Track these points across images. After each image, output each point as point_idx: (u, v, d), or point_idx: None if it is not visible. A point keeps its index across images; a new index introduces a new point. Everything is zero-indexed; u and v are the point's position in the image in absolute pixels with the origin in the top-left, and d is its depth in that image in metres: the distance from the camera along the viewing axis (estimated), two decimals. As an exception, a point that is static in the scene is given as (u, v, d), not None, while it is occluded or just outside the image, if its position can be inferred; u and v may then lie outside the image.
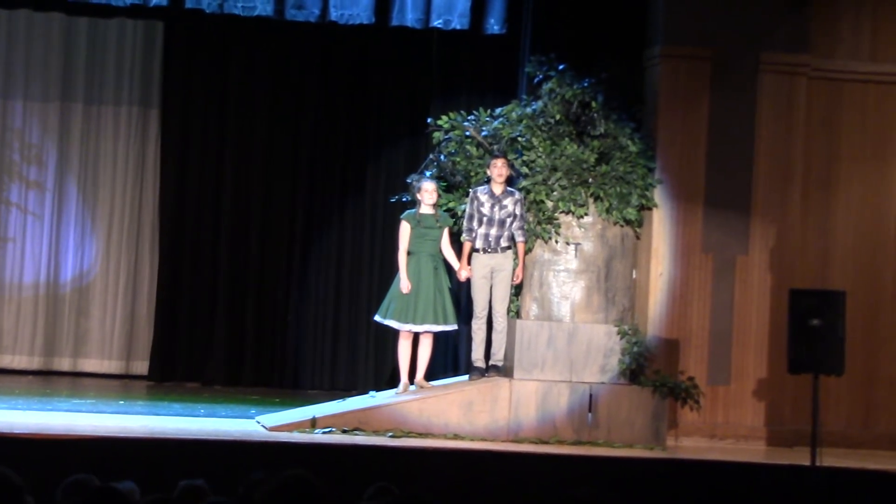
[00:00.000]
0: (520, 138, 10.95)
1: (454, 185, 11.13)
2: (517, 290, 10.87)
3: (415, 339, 10.72)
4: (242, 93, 13.67)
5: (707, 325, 11.08)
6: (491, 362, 10.72)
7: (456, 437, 10.21)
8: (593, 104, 10.85)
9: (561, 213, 10.82)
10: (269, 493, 4.25)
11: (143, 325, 13.73)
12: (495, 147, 10.96)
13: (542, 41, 11.59)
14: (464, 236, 10.75)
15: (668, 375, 10.74)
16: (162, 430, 9.63)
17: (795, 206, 11.24)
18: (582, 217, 10.82)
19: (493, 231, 10.68)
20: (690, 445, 10.83)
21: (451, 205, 11.00)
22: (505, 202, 10.67)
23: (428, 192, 10.74)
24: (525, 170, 10.88)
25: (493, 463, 9.47)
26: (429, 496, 4.44)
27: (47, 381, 13.22)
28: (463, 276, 10.75)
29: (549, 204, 10.81)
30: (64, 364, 13.64)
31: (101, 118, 13.81)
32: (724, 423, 11.05)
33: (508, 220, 10.66)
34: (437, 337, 10.89)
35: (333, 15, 11.73)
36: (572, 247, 10.85)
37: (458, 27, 11.83)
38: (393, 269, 11.10)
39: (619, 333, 10.63)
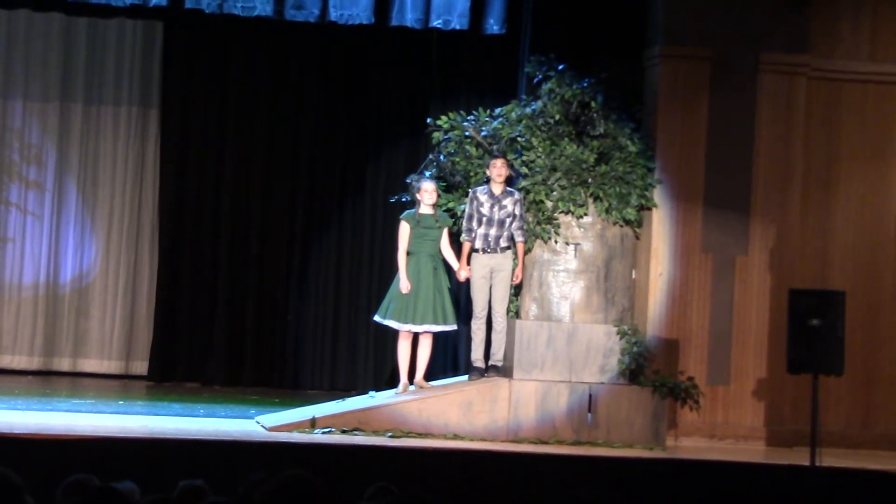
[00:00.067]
0: (519, 138, 10.96)
1: (454, 186, 11.14)
2: (517, 290, 10.87)
3: (414, 340, 10.73)
4: (242, 93, 13.67)
5: (707, 325, 11.08)
6: (490, 362, 10.72)
7: (455, 437, 10.21)
8: (593, 104, 10.85)
9: (560, 213, 10.82)
10: (269, 493, 4.25)
11: (143, 325, 13.73)
12: (495, 147, 10.96)
13: (542, 41, 11.60)
14: (463, 236, 10.75)
15: (668, 375, 10.74)
16: (162, 431, 9.63)
17: (795, 206, 11.25)
18: (581, 217, 10.83)
19: (493, 231, 10.68)
20: (690, 445, 10.83)
21: (450, 205, 11.01)
22: (504, 202, 10.67)
23: (427, 193, 10.74)
24: (524, 170, 10.88)
25: (493, 463, 9.47)
26: (429, 496, 4.44)
27: (47, 381, 13.22)
28: (462, 276, 10.75)
29: (549, 204, 10.81)
30: (64, 364, 13.64)
31: (100, 118, 13.81)
32: (723, 423, 11.05)
33: (508, 221, 10.66)
34: (437, 337, 10.89)
35: (333, 15, 11.74)
36: (572, 247, 10.85)
37: (458, 27, 11.83)
38: (393, 269, 11.10)
39: (618, 333, 10.63)
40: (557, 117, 10.91)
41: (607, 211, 10.81)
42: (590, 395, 10.48)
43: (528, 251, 10.80)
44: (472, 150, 11.07)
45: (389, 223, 12.56)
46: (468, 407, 10.35)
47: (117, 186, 13.80)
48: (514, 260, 10.71)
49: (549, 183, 10.80)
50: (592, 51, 11.32)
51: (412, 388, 10.67)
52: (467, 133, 11.10)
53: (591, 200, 10.83)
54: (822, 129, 11.42)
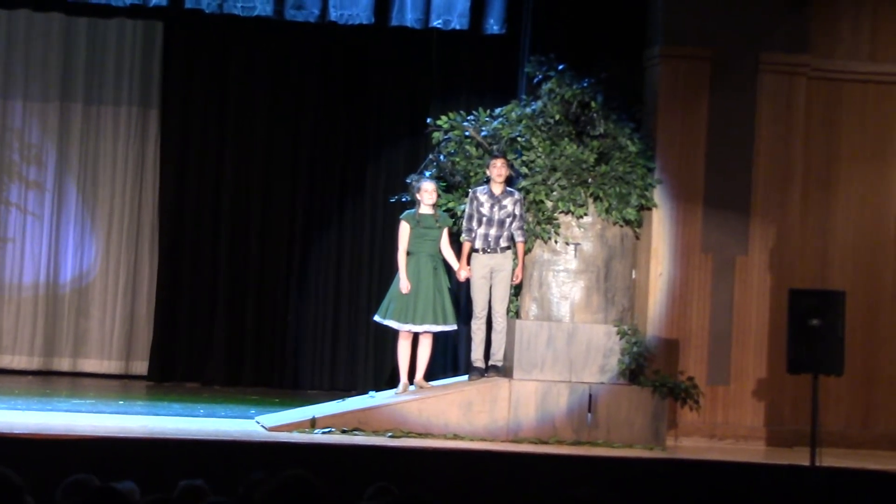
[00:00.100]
0: (519, 138, 10.95)
1: (454, 186, 11.13)
2: (517, 290, 10.87)
3: (414, 340, 10.72)
4: (242, 93, 13.67)
5: (707, 325, 11.08)
6: (490, 362, 10.72)
7: (455, 437, 10.21)
8: (593, 104, 10.85)
9: (560, 213, 10.82)
10: (269, 493, 4.25)
11: (143, 325, 13.73)
12: (495, 147, 10.96)
13: (542, 41, 11.60)
14: (463, 236, 10.75)
15: (668, 375, 10.74)
16: (162, 431, 9.63)
17: (795, 206, 11.24)
18: (581, 217, 10.82)
19: (493, 231, 10.68)
20: (690, 445, 10.83)
21: (450, 205, 11.01)
22: (504, 202, 10.67)
23: (427, 193, 10.74)
24: (524, 170, 10.88)
25: (493, 463, 9.47)
26: (429, 496, 4.44)
27: (47, 381, 13.22)
28: (462, 276, 10.75)
29: (549, 204, 10.81)
30: (63, 364, 13.64)
31: (100, 118, 13.81)
32: (723, 423, 11.05)
33: (508, 221, 10.66)
34: (437, 337, 10.89)
35: (333, 15, 11.74)
36: (572, 247, 10.85)
37: (458, 27, 11.83)
38: (392, 269, 11.10)
39: (618, 333, 10.63)
40: (557, 117, 10.91)
41: (607, 211, 10.81)
42: (590, 395, 10.48)
43: (528, 251, 10.79)
44: (472, 150, 11.07)
45: (389, 223, 12.56)
46: (468, 407, 10.35)
47: (117, 186, 13.80)
48: (514, 260, 10.70)
49: (549, 183, 10.80)
50: (592, 51, 11.32)
51: (412, 388, 10.67)
52: (467, 133, 11.10)
53: (591, 200, 10.83)
54: (822, 129, 11.42)
